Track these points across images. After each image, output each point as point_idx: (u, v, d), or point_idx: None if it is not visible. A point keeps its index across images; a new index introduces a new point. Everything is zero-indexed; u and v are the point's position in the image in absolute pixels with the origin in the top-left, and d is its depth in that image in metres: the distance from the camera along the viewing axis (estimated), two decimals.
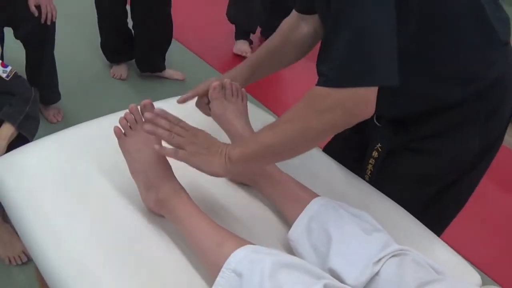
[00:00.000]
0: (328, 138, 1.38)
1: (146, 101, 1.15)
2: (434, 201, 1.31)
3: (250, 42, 3.57)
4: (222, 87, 1.31)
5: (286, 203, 1.17)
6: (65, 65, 2.87)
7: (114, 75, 3.10)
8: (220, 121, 1.31)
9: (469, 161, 1.25)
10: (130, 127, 1.14)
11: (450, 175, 1.27)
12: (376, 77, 0.94)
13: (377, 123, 1.29)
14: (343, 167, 1.40)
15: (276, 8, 3.48)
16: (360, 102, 0.95)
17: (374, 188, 1.36)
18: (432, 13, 1.05)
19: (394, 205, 1.30)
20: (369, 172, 1.35)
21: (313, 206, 1.12)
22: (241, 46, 3.50)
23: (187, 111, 1.53)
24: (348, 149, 1.46)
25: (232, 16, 3.44)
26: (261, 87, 3.18)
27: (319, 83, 0.97)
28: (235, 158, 1.05)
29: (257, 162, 1.09)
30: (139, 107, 1.16)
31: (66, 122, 2.65)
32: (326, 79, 0.96)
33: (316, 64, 1.00)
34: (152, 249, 1.09)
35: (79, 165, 1.28)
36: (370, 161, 1.33)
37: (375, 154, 1.31)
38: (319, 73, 0.98)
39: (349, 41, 0.92)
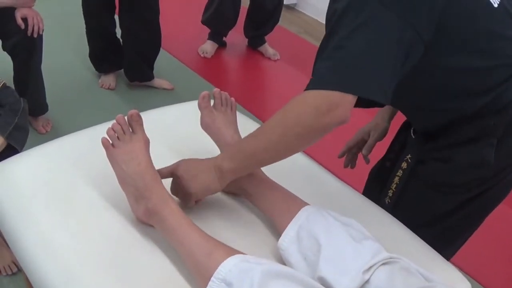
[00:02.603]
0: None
1: (133, 111, 1.15)
2: (451, 214, 1.31)
3: (222, 44, 3.68)
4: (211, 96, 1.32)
5: (275, 212, 1.17)
6: (53, 75, 2.87)
7: (103, 85, 3.10)
8: (209, 130, 1.31)
9: (490, 177, 1.25)
10: (118, 137, 1.14)
11: (470, 187, 1.27)
12: (352, 86, 0.99)
13: (412, 135, 1.34)
14: (333, 175, 1.41)
15: (258, 21, 3.55)
16: (334, 105, 0.99)
17: (364, 197, 1.37)
18: (449, 35, 1.06)
19: (383, 212, 1.31)
20: (394, 186, 1.36)
21: (302, 215, 1.12)
22: (206, 46, 3.60)
23: (173, 119, 1.54)
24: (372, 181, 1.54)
25: (205, 20, 3.54)
26: (250, 96, 3.20)
27: (306, 88, 1.03)
28: (225, 171, 1.11)
29: (246, 170, 1.15)
30: (126, 117, 1.16)
31: (55, 133, 2.64)
32: (308, 83, 1.02)
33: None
34: (142, 259, 1.09)
35: (68, 176, 1.28)
36: (398, 173, 1.35)
37: (404, 165, 1.33)
38: (311, 78, 1.04)
39: (332, 51, 0.99)
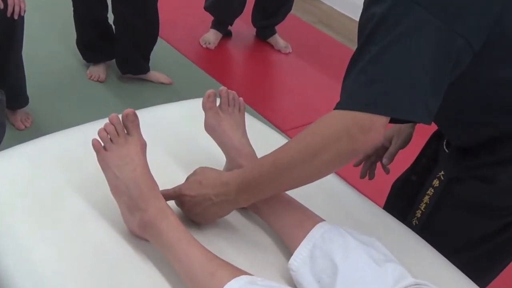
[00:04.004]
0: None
1: (129, 110, 1.16)
2: (488, 239, 1.31)
3: (226, 34, 3.67)
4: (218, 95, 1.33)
5: (286, 228, 1.18)
6: (35, 64, 2.87)
7: (91, 76, 3.11)
8: (214, 133, 1.32)
9: None
10: (111, 139, 1.15)
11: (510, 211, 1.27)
12: (383, 107, 0.99)
13: (446, 149, 1.34)
14: (352, 187, 1.42)
15: (268, 9, 3.56)
16: (366, 128, 0.99)
17: (386, 213, 1.38)
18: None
19: (407, 231, 1.32)
20: (424, 206, 1.36)
21: (317, 232, 1.13)
22: (208, 36, 3.60)
23: (172, 120, 1.55)
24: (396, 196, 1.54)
25: (208, 6, 3.54)
26: (257, 94, 3.21)
27: (334, 107, 1.04)
28: (240, 202, 1.16)
29: (262, 198, 1.17)
30: (120, 116, 1.16)
31: (35, 129, 2.65)
32: (338, 102, 1.03)
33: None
34: (134, 278, 1.10)
35: (52, 181, 1.28)
36: (428, 192, 1.35)
37: (435, 183, 1.33)
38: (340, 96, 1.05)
39: (367, 67, 1.00)
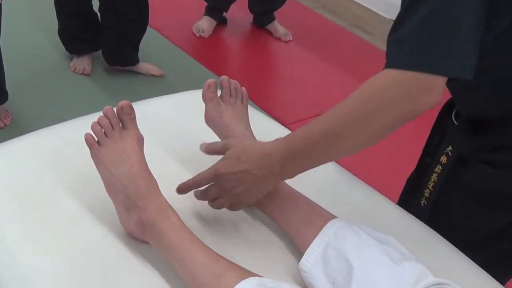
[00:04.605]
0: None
1: (124, 102, 1.16)
2: (505, 234, 1.30)
3: (221, 21, 3.68)
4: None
5: (295, 226, 1.19)
6: (14, 56, 2.86)
7: (76, 69, 3.11)
8: (215, 126, 1.32)
9: None
10: (106, 134, 1.15)
11: None
12: (445, 66, 1.00)
13: (454, 120, 1.32)
14: (365, 183, 1.42)
15: None
16: (426, 90, 1.00)
17: (399, 208, 1.38)
18: None
19: (423, 227, 1.32)
20: (432, 184, 1.36)
21: (330, 230, 1.13)
22: (202, 24, 3.61)
23: (168, 113, 1.55)
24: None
25: None
26: (255, 85, 3.21)
27: (385, 66, 1.03)
28: (284, 176, 1.16)
29: (305, 170, 1.15)
30: (115, 109, 1.17)
31: (16, 127, 2.64)
32: (391, 61, 1.03)
33: (386, 44, 1.06)
34: (133, 284, 1.10)
35: (40, 181, 1.29)
36: (436, 169, 1.34)
37: (443, 159, 1.32)
38: (387, 55, 1.05)
39: (424, 23, 1.00)
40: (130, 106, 1.16)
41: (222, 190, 1.18)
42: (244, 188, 1.16)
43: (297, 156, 1.11)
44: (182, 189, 1.22)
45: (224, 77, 1.33)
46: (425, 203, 1.38)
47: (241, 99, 1.35)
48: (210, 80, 1.32)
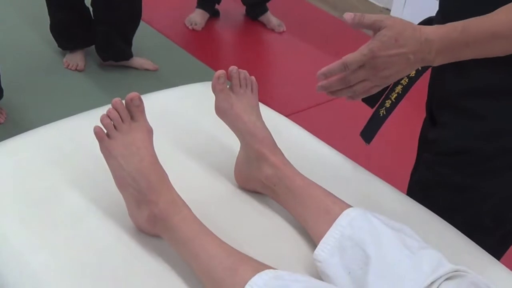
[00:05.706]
0: None
1: (133, 94, 1.15)
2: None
3: (214, 14, 3.67)
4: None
5: (310, 215, 1.18)
6: (6, 53, 2.86)
7: (69, 65, 3.10)
8: (226, 117, 1.31)
9: None
10: (115, 126, 1.14)
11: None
12: None
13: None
14: (373, 174, 1.42)
15: None
16: None
17: (408, 198, 1.38)
18: None
19: (432, 216, 1.32)
20: (395, 96, 1.36)
21: (344, 219, 1.12)
22: (194, 17, 3.61)
23: (174, 105, 1.54)
24: None
25: None
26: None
27: None
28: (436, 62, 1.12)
29: (462, 57, 1.13)
30: (124, 101, 1.16)
31: (11, 124, 2.63)
32: None
33: None
34: (145, 280, 1.09)
35: (44, 178, 1.28)
36: (402, 81, 1.35)
37: (412, 73, 1.33)
38: None
39: None
40: (139, 98, 1.16)
41: (372, 73, 1.12)
42: (394, 71, 1.12)
43: (455, 49, 1.10)
44: (324, 73, 1.20)
45: (233, 68, 1.32)
46: (384, 113, 1.39)
47: (251, 89, 1.34)
48: (219, 71, 1.30)
